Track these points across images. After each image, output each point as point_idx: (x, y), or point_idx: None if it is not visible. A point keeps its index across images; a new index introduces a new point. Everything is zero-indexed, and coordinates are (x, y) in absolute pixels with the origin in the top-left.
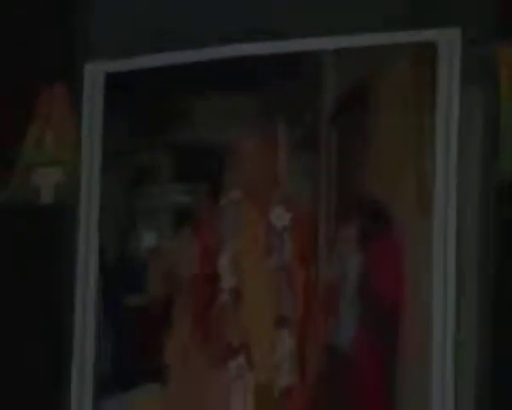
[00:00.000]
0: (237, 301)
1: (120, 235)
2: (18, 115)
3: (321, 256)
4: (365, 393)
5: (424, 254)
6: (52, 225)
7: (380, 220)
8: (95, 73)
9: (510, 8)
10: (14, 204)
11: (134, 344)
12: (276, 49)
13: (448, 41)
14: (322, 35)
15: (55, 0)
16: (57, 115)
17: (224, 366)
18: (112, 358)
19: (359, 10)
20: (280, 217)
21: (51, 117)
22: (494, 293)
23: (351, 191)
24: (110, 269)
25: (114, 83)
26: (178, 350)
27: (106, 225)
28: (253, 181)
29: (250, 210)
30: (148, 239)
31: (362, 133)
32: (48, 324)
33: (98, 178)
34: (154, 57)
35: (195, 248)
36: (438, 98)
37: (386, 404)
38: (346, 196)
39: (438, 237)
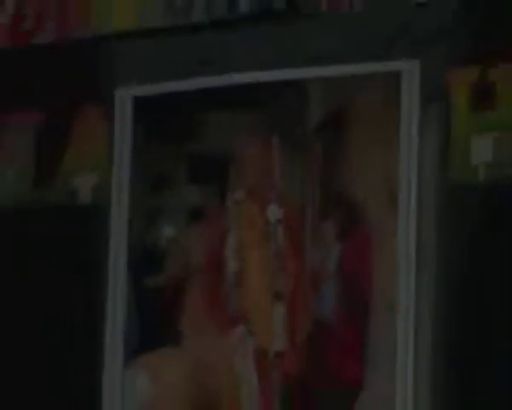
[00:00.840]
0: (240, 281)
1: (144, 229)
2: (62, 128)
3: (307, 244)
4: (343, 350)
5: (390, 244)
6: (89, 221)
7: (354, 217)
8: (124, 97)
9: (456, 42)
10: (57, 205)
11: (155, 316)
12: (274, 77)
13: (410, 70)
14: (309, 66)
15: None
16: (94, 130)
17: (229, 334)
18: (138, 326)
19: (339, 45)
20: (274, 213)
21: (89, 131)
22: (447, 266)
23: (331, 193)
24: (136, 256)
25: (141, 104)
26: (191, 320)
27: (133, 220)
28: (252, 184)
29: (250, 207)
30: (167, 232)
31: (341, 145)
32: (88, 299)
33: (127, 183)
34: (175, 83)
35: (205, 239)
36: (402, 116)
37: (360, 356)
38: (328, 197)
39: (401, 231)
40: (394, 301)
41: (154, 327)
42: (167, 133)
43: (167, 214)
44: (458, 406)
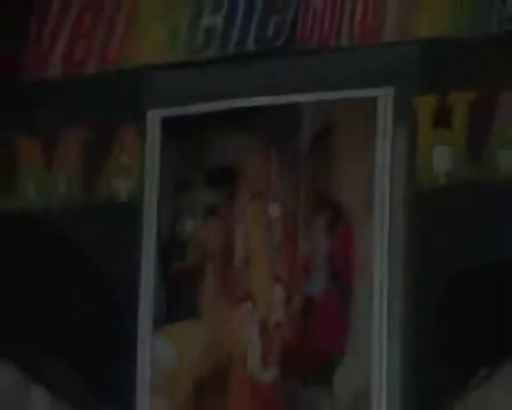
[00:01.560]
0: (246, 266)
1: (170, 223)
2: (105, 143)
3: (300, 237)
4: (328, 322)
5: (368, 238)
6: (126, 217)
7: (339, 216)
8: (154, 118)
9: (421, 74)
10: (100, 204)
11: (179, 293)
12: (273, 101)
13: (384, 95)
14: (303, 92)
15: None
16: (130, 144)
17: (238, 308)
18: (165, 302)
19: (327, 75)
20: (274, 211)
21: (126, 145)
22: (414, 253)
23: (320, 196)
24: (163, 245)
25: (168, 124)
26: (208, 297)
27: (161, 216)
28: (256, 188)
29: (254, 207)
30: (189, 225)
31: (328, 157)
32: (126, 279)
33: (156, 186)
34: (195, 107)
35: (218, 232)
36: (377, 133)
37: (342, 327)
38: (317, 200)
39: (377, 228)
40: (371, 283)
41: (178, 303)
42: (188, 147)
43: (188, 211)
44: (428, 364)
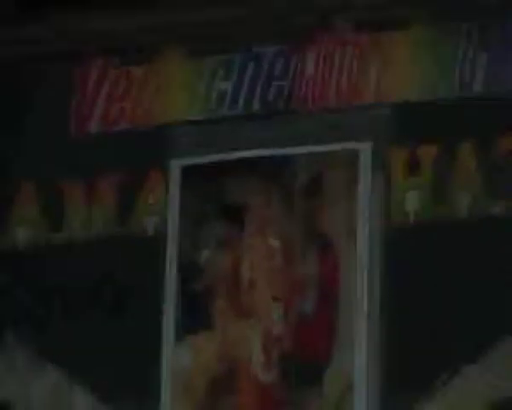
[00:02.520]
0: (251, 287)
1: (189, 250)
2: (136, 186)
3: (296, 263)
4: (319, 334)
5: (351, 263)
6: (153, 247)
7: (327, 246)
8: (176, 165)
9: (395, 133)
10: (130, 236)
11: (196, 309)
12: (273, 153)
13: (364, 149)
14: (297, 145)
15: None
16: (157, 187)
17: (244, 323)
18: (184, 318)
19: (319, 132)
20: (274, 242)
21: (154, 188)
22: (387, 275)
23: (312, 230)
24: (183, 270)
25: (187, 170)
26: (220, 313)
27: (181, 246)
28: (259, 223)
29: (258, 238)
30: (204, 254)
31: (317, 199)
32: (151, 300)
33: (177, 221)
34: (210, 156)
35: (229, 258)
36: (359, 180)
37: (330, 338)
38: (309, 233)
39: (358, 255)
40: (354, 300)
41: (195, 318)
42: (203, 190)
43: (203, 243)
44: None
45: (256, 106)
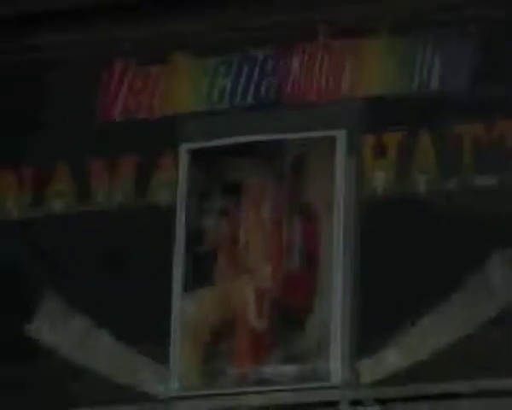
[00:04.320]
0: (247, 249)
1: (195, 221)
2: (150, 167)
3: (284, 230)
4: (302, 286)
5: (329, 230)
6: (165, 217)
7: (310, 216)
8: (184, 149)
9: (369, 118)
10: (146, 207)
11: (201, 268)
12: (265, 138)
13: (340, 135)
14: (286, 133)
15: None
16: (168, 167)
17: (241, 279)
18: (190, 275)
19: (304, 122)
20: (266, 212)
21: (165, 168)
22: (357, 233)
23: (297, 202)
24: (190, 236)
25: (195, 154)
26: (221, 271)
27: (189, 217)
28: (254, 196)
29: (252, 210)
30: (207, 222)
31: (303, 176)
32: (163, 259)
33: (185, 197)
34: (213, 141)
35: (229, 226)
36: (336, 161)
37: (313, 290)
38: (295, 204)
39: (335, 223)
40: (331, 260)
41: (199, 274)
42: (207, 169)
43: (207, 213)
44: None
45: (250, 99)
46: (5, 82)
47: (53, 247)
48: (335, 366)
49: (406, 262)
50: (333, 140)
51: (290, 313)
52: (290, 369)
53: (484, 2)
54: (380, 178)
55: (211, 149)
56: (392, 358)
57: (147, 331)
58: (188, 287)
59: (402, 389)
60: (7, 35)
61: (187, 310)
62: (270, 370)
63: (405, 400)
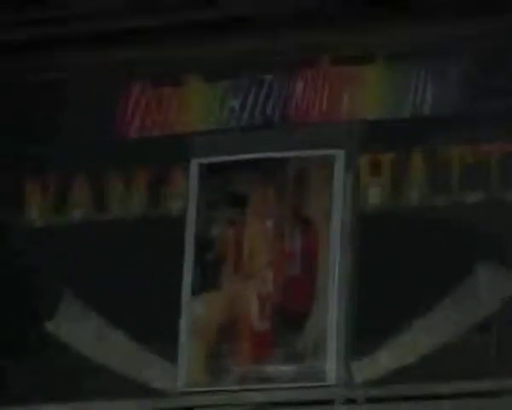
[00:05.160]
0: (251, 257)
1: (204, 230)
2: (162, 179)
3: (285, 240)
4: (302, 292)
5: (327, 240)
6: (176, 226)
7: (309, 227)
8: (195, 164)
9: (365, 139)
10: (158, 217)
11: (209, 273)
12: (270, 156)
13: (338, 154)
14: (289, 150)
15: None
16: (179, 180)
17: (245, 284)
18: (199, 280)
19: (305, 141)
20: (269, 223)
21: (176, 181)
22: (353, 244)
23: (298, 213)
24: (199, 244)
25: (204, 168)
26: (227, 276)
27: (198, 226)
28: (258, 208)
29: (256, 220)
30: (215, 231)
31: (304, 190)
32: (173, 265)
33: (195, 206)
34: (222, 157)
35: (234, 235)
36: (334, 178)
37: (311, 296)
38: (295, 216)
39: (333, 235)
40: (328, 267)
41: (207, 279)
42: (216, 182)
43: (215, 223)
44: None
45: (257, 119)
46: (33, 99)
47: (72, 253)
48: (331, 366)
49: (399, 271)
50: (332, 158)
51: (290, 315)
52: (289, 368)
53: (474, 33)
54: (375, 194)
55: (219, 164)
56: (385, 359)
57: (157, 331)
58: (196, 291)
59: (393, 389)
60: (37, 55)
61: (195, 312)
62: (270, 369)
63: (396, 399)
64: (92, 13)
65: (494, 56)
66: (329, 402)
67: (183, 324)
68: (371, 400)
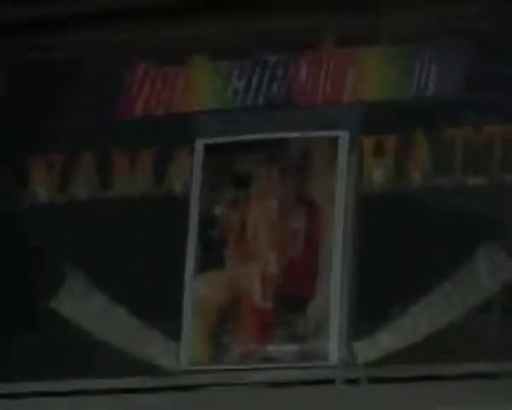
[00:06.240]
0: (254, 237)
1: (207, 209)
2: (168, 160)
3: (288, 220)
4: (305, 271)
5: (330, 221)
6: (180, 204)
7: (312, 208)
8: (200, 144)
9: (369, 121)
10: (163, 195)
11: (212, 253)
12: (274, 136)
13: (343, 136)
14: (293, 130)
15: None
16: (184, 160)
17: (248, 263)
18: (202, 259)
19: (308, 121)
20: (272, 203)
21: (181, 161)
22: (356, 224)
23: (301, 194)
24: (202, 223)
25: (209, 149)
26: (230, 256)
27: (202, 205)
28: (261, 189)
29: (260, 201)
30: (219, 211)
31: (307, 171)
32: (178, 243)
33: (199, 188)
34: (226, 137)
35: (237, 215)
36: (338, 158)
37: (314, 275)
38: (300, 197)
39: (336, 216)
40: (331, 248)
41: (210, 258)
42: (220, 163)
43: (218, 202)
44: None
45: (261, 100)
46: (38, 79)
47: (76, 230)
48: (333, 346)
49: (400, 252)
50: (336, 140)
51: (292, 296)
52: (291, 348)
53: (476, 16)
54: (378, 175)
55: (224, 145)
56: (386, 341)
57: (160, 309)
58: (199, 270)
59: (394, 370)
60: (41, 35)
61: (198, 291)
62: (272, 349)
63: (397, 380)
64: None
65: (497, 40)
66: (330, 382)
67: (186, 302)
68: (372, 380)
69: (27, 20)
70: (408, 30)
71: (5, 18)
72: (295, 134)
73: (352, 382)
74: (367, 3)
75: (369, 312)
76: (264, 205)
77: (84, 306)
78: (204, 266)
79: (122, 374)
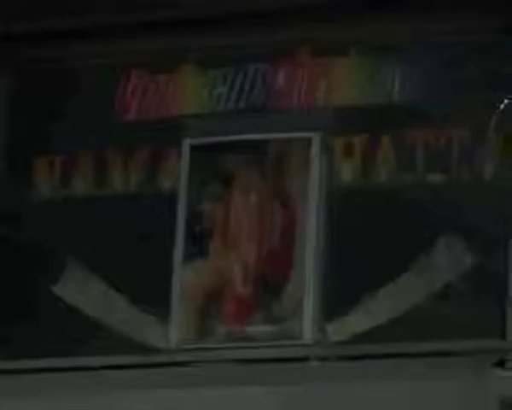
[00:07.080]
0: (236, 229)
1: (194, 205)
2: (158, 156)
3: (267, 214)
4: (282, 260)
5: (304, 214)
6: (169, 201)
7: (289, 202)
8: (186, 144)
9: (339, 124)
10: (153, 192)
11: (199, 243)
12: (254, 138)
13: (315, 137)
14: (271, 132)
15: None
16: (171, 159)
17: (230, 253)
18: (189, 249)
19: (285, 123)
20: (253, 199)
21: (169, 159)
22: (327, 217)
23: (278, 190)
24: (190, 217)
25: (195, 149)
26: (215, 247)
27: (189, 201)
28: (243, 186)
29: (242, 197)
30: (205, 206)
31: (284, 170)
32: (167, 236)
33: (186, 184)
34: (211, 138)
35: (222, 210)
36: (312, 159)
37: (290, 264)
38: (277, 193)
39: (309, 209)
40: (305, 238)
41: (197, 249)
42: (205, 162)
43: (204, 199)
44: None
45: (242, 104)
46: (42, 88)
47: (76, 223)
48: (307, 327)
49: (369, 242)
50: (309, 141)
51: (270, 282)
52: (269, 329)
53: (443, 30)
54: (347, 173)
55: (209, 145)
56: (355, 322)
57: (152, 295)
58: (187, 259)
59: (363, 349)
60: (48, 46)
61: (185, 278)
62: (252, 329)
63: (365, 357)
64: (95, 8)
65: (459, 52)
66: (305, 360)
67: (175, 289)
68: (342, 358)
69: (37, 32)
70: (377, 41)
71: (20, 30)
72: (273, 135)
73: (325, 359)
74: (339, 18)
75: (340, 296)
76: (245, 201)
77: (83, 292)
78: (191, 255)
79: (119, 353)
